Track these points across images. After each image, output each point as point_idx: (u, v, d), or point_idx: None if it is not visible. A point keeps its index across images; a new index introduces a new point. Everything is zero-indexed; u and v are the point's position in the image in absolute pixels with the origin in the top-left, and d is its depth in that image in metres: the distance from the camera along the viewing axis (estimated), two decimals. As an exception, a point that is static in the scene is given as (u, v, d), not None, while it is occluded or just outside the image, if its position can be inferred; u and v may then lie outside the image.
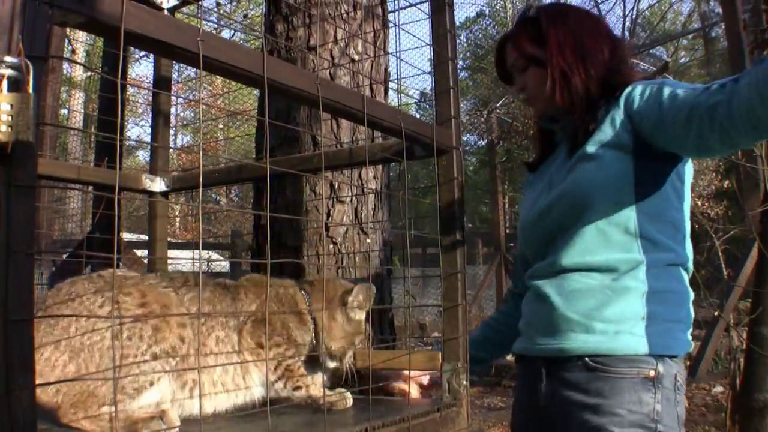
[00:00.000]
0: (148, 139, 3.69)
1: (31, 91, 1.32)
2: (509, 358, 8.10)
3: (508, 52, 2.67)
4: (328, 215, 3.77)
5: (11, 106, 1.29)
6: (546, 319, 2.40)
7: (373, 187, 3.92)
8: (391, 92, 4.22)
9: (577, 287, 2.33)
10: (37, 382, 2.03)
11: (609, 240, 2.30)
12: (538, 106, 2.63)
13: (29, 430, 1.28)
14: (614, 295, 2.27)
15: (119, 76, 3.80)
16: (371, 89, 4.01)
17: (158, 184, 3.54)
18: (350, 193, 3.82)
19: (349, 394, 2.52)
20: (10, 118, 1.28)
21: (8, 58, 1.29)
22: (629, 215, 2.27)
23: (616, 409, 2.18)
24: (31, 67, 1.32)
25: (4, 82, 1.29)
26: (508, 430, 5.99)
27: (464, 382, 2.67)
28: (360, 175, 3.87)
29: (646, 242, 2.28)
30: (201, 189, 1.98)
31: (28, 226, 1.34)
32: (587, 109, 2.39)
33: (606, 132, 2.32)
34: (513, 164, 21.58)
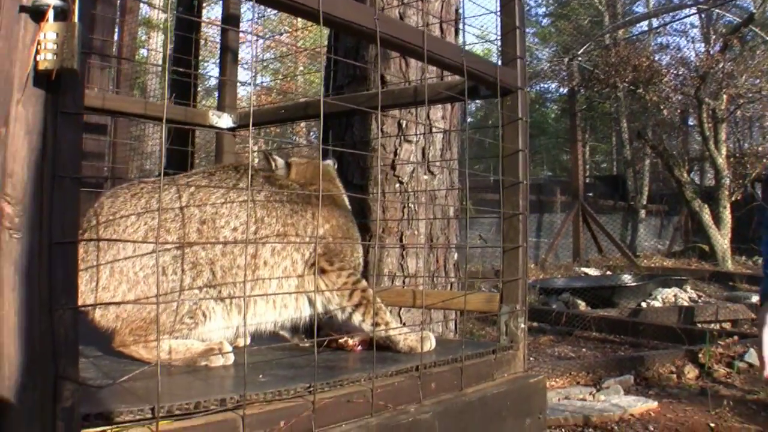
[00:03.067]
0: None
1: (76, 20, 1.33)
2: (582, 307, 8.00)
3: None
4: (395, 154, 3.76)
5: (57, 34, 1.30)
6: None
7: (441, 126, 3.88)
8: (468, 36, 4.14)
9: None
10: (98, 309, 2.14)
11: None
12: None
13: (71, 349, 1.33)
14: None
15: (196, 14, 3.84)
16: (441, 29, 3.94)
17: (225, 121, 3.58)
18: (417, 133, 3.79)
19: (432, 335, 2.50)
20: (55, 46, 1.30)
21: (53, -12, 1.31)
22: None
23: None
24: (77, -2, 1.34)
25: (50, 12, 1.31)
26: (574, 380, 5.96)
27: (522, 325, 2.65)
28: (428, 115, 3.83)
29: None
30: (250, 123, 1.99)
31: (75, 152, 1.36)
32: None
33: None
34: (594, 113, 21.11)
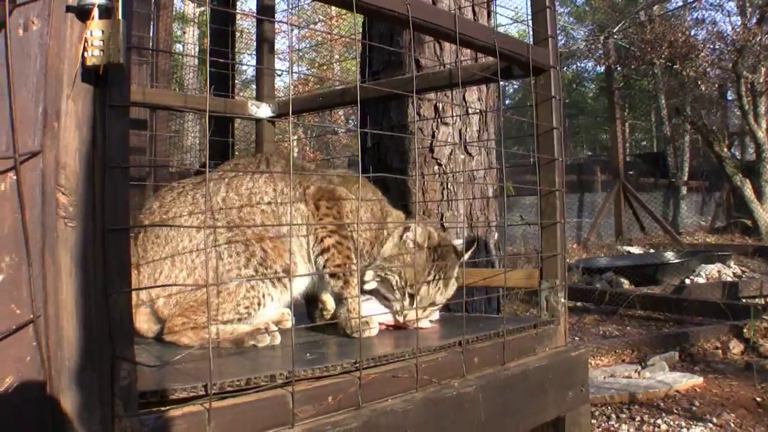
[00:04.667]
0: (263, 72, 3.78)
1: (120, 17, 1.39)
2: (626, 286, 7.95)
3: None
4: (433, 136, 3.79)
5: (102, 32, 1.37)
6: None
7: (477, 107, 3.91)
8: (500, 18, 4.16)
9: None
10: (162, 298, 2.22)
11: None
12: None
13: (126, 331, 1.40)
14: None
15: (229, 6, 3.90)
16: (473, 11, 3.96)
17: (264, 110, 3.64)
18: (454, 115, 3.82)
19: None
20: (101, 43, 1.36)
21: (98, -12, 1.37)
22: None
23: None
24: (120, -4, 1.40)
25: (95, 10, 1.37)
26: (620, 358, 5.93)
27: (562, 300, 2.68)
28: (464, 97, 3.86)
29: None
30: (290, 110, 2.04)
31: (123, 143, 1.43)
32: None
33: None
34: (632, 91, 20.85)
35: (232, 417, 1.55)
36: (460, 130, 3.82)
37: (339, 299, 2.41)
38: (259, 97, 3.73)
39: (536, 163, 2.71)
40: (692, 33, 17.30)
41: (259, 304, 2.26)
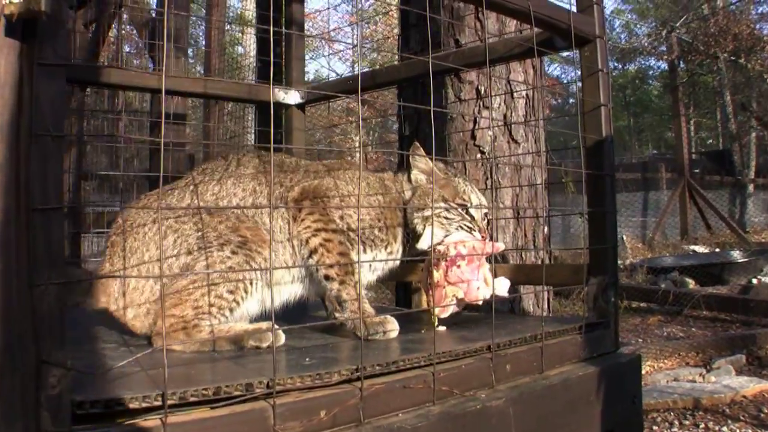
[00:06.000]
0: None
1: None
2: (691, 286, 7.73)
3: None
4: (475, 122, 3.50)
5: (20, -27, 1.14)
6: None
7: (523, 92, 3.59)
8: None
9: None
10: (133, 310, 2.01)
11: None
12: None
13: (56, 330, 1.15)
14: None
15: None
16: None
17: (293, 97, 3.41)
18: (496, 95, 3.52)
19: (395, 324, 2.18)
20: (18, -14, 1.14)
21: None
22: None
23: None
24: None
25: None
26: (683, 361, 5.61)
27: (612, 299, 2.36)
28: (509, 80, 3.55)
29: None
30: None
31: (56, 107, 1.18)
32: None
33: None
34: (696, 88, 20.25)
35: (197, 433, 1.30)
36: (504, 115, 3.52)
37: (339, 303, 2.18)
38: (288, 83, 3.49)
39: (580, 142, 2.40)
40: (757, 27, 16.71)
41: (246, 291, 2.03)
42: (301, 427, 1.43)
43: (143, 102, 9.09)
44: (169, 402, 1.30)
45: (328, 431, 1.48)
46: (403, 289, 3.66)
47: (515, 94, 3.53)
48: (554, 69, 29.98)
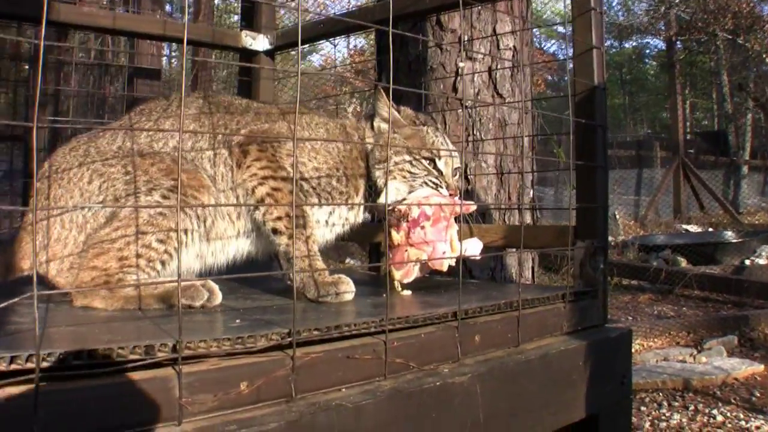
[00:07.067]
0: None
1: None
2: (683, 265, 7.61)
3: None
4: (457, 74, 3.22)
5: None
6: None
7: (510, 44, 3.30)
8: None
9: None
10: (56, 265, 1.76)
11: None
12: None
13: None
14: None
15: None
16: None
17: (261, 42, 3.12)
18: (483, 48, 3.24)
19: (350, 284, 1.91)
20: None
21: None
22: None
23: None
24: None
25: None
26: (674, 340, 5.43)
27: (601, 266, 2.11)
28: (494, 30, 3.27)
29: None
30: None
31: None
32: None
33: None
34: (693, 69, 20.00)
35: (78, 405, 1.04)
36: (489, 68, 3.23)
37: (288, 260, 1.92)
38: (256, 27, 3.20)
39: (569, 89, 2.12)
40: (757, 6, 16.49)
41: (179, 242, 1.78)
42: (215, 401, 1.17)
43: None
44: (44, 365, 1.03)
45: (251, 407, 1.22)
46: (376, 252, 3.41)
47: (501, 45, 3.24)
48: (551, 46, 29.64)
